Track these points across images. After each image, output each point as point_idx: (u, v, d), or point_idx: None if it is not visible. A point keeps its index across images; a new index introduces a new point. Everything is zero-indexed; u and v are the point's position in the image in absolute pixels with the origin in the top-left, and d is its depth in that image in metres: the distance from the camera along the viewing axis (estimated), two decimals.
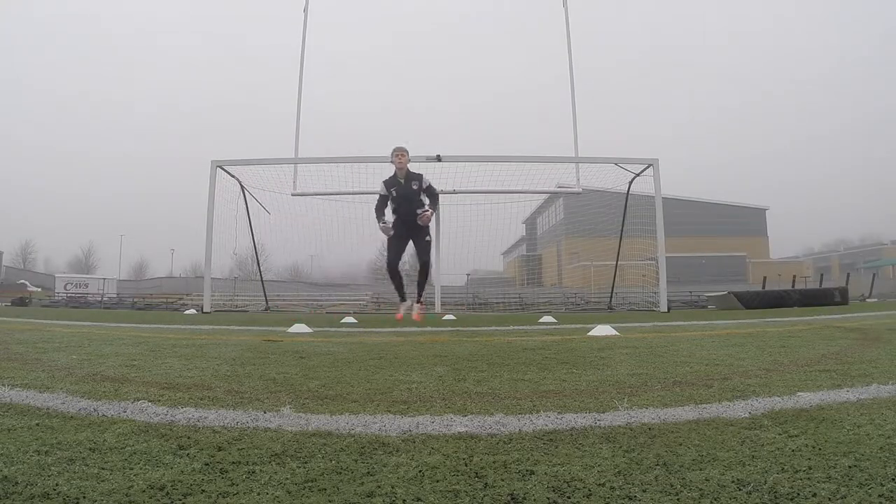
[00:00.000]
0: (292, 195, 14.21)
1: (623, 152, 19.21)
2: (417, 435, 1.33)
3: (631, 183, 14.38)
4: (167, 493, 0.93)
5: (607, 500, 0.90)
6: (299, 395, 1.85)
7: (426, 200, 5.63)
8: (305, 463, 1.11)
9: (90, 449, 1.18)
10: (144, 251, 71.72)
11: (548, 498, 0.91)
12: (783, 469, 1.03)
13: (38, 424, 1.39)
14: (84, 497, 0.91)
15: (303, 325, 5.40)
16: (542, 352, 3.17)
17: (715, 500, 0.89)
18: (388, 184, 5.61)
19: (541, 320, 7.59)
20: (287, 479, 1.01)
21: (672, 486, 0.95)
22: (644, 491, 0.93)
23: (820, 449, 1.15)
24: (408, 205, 5.59)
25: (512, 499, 0.91)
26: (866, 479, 0.96)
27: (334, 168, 13.86)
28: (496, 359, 2.85)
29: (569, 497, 0.92)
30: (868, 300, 20.36)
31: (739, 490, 0.93)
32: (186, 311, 14.10)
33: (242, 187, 14.33)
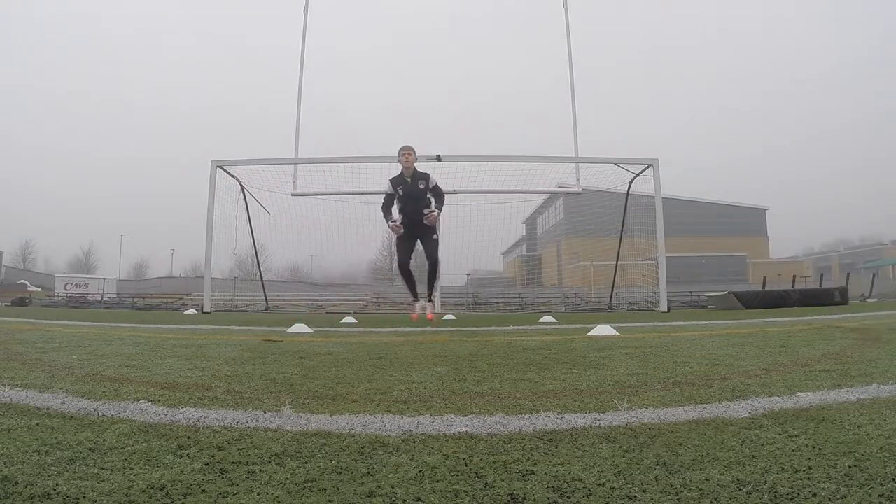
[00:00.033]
0: (292, 195, 14.19)
1: (623, 152, 19.21)
2: (417, 435, 1.33)
3: (631, 183, 14.39)
4: (167, 493, 0.94)
5: (607, 500, 0.90)
6: (299, 395, 1.85)
7: (432, 200, 5.64)
8: (305, 463, 1.11)
9: (90, 449, 1.18)
10: (144, 251, 71.74)
11: (548, 498, 0.91)
12: (783, 469, 1.03)
13: (38, 424, 1.39)
14: (84, 497, 0.91)
15: (303, 325, 5.41)
16: (542, 352, 3.17)
17: (715, 500, 0.89)
18: (395, 182, 5.61)
19: (541, 320, 7.60)
20: (287, 479, 1.01)
21: (672, 486, 0.95)
22: (644, 491, 0.93)
23: (820, 449, 1.15)
24: (414, 204, 5.58)
25: (512, 499, 0.91)
26: (866, 479, 0.96)
27: (334, 168, 13.85)
28: (496, 359, 2.85)
29: (569, 497, 0.92)
30: (868, 300, 20.32)
31: (739, 490, 0.93)
32: (186, 312, 14.09)
33: (242, 187, 14.33)
